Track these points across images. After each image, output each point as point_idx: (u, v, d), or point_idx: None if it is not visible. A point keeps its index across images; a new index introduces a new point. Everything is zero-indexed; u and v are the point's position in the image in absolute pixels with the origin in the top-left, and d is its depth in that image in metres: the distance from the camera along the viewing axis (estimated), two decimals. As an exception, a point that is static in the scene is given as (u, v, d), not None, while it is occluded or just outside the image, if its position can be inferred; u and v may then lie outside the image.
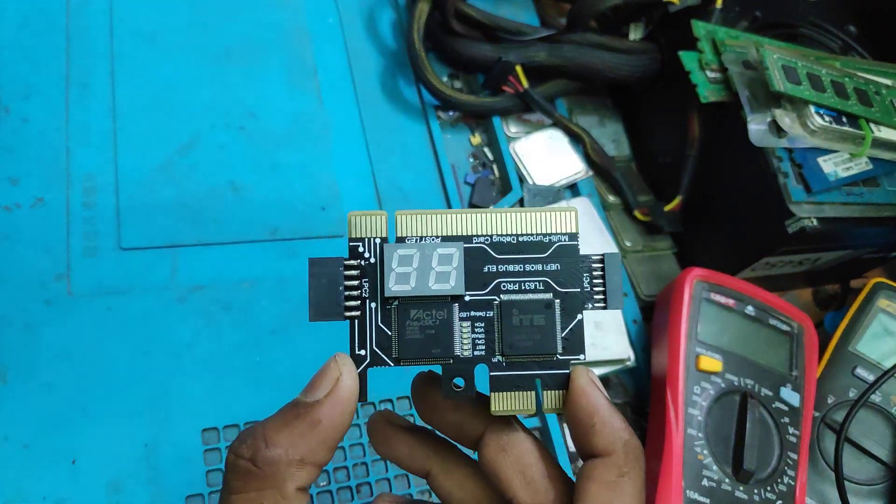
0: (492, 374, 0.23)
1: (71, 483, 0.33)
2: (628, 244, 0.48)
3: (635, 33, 0.49)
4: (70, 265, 0.37)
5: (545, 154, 0.48)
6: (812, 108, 0.42)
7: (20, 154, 0.40)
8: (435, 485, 0.26)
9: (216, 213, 0.41)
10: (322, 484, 0.36)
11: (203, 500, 0.34)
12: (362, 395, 0.23)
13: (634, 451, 0.23)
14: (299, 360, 0.39)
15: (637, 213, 0.48)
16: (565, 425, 0.40)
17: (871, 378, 0.43)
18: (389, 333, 0.23)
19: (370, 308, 0.23)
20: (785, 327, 0.42)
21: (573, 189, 0.49)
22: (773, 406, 0.40)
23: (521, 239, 0.24)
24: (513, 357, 0.23)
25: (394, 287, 0.23)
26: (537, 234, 0.24)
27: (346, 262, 0.23)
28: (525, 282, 0.24)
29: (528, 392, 0.23)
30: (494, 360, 0.23)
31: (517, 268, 0.24)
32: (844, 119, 0.43)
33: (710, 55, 0.45)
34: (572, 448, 0.40)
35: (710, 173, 0.47)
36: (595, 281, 0.24)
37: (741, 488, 0.38)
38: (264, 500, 0.22)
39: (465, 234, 0.24)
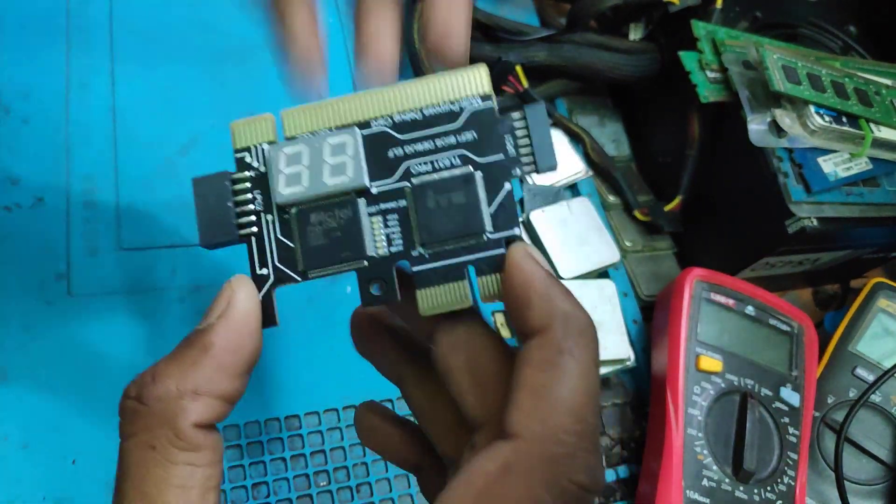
0: (414, 269, 0.20)
1: (71, 483, 0.33)
2: (628, 244, 0.48)
3: (635, 33, 0.49)
4: (70, 265, 0.37)
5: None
6: (812, 109, 0.42)
7: (20, 154, 0.39)
8: (406, 394, 0.24)
9: (216, 213, 0.41)
10: (322, 484, 0.36)
11: (203, 500, 0.34)
12: (269, 319, 0.21)
13: (578, 325, 0.19)
14: (299, 360, 0.39)
15: (637, 213, 0.48)
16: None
17: (871, 378, 0.43)
18: (292, 245, 0.21)
19: (266, 221, 0.21)
20: (785, 327, 0.42)
21: (573, 189, 0.49)
22: (773, 406, 0.40)
23: (426, 112, 0.21)
24: (435, 245, 0.20)
25: (284, 191, 0.20)
26: (444, 103, 0.21)
27: (234, 176, 0.21)
28: (438, 160, 0.21)
29: (460, 282, 0.20)
30: (415, 252, 0.20)
31: (427, 145, 0.21)
32: (844, 119, 0.43)
33: (710, 55, 0.45)
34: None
35: (710, 173, 0.47)
36: (520, 141, 0.21)
37: (741, 488, 0.38)
38: (155, 441, 0.19)
39: (361, 119, 0.21)
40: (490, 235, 0.20)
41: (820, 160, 0.43)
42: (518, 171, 0.21)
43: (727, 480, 0.38)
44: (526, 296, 0.19)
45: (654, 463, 0.38)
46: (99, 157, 0.40)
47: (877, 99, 0.44)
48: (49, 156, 0.40)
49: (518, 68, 0.47)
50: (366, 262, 0.20)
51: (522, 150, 0.21)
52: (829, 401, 0.43)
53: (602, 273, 0.45)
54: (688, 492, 0.37)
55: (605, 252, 0.45)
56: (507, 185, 0.21)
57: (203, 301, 0.39)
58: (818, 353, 0.43)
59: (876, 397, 0.42)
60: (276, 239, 0.21)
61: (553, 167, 0.21)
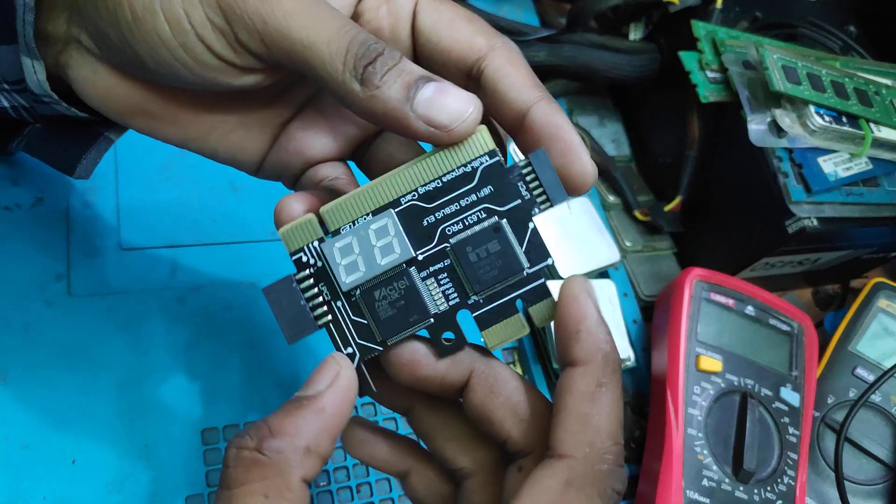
0: (474, 315, 0.24)
1: (71, 483, 0.33)
2: (628, 244, 0.48)
3: (635, 33, 0.49)
4: (70, 265, 0.37)
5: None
6: (812, 108, 0.42)
7: (20, 154, 0.39)
8: (415, 420, 0.27)
9: (216, 213, 0.41)
10: (322, 484, 0.36)
11: (203, 501, 0.34)
12: (365, 388, 0.24)
13: (613, 363, 0.23)
14: (299, 361, 0.39)
15: (637, 214, 0.48)
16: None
17: (871, 378, 0.43)
18: (365, 322, 0.24)
19: (337, 308, 0.24)
20: (785, 327, 0.43)
21: (573, 189, 0.49)
22: (773, 406, 0.40)
23: (445, 179, 0.23)
24: (486, 291, 0.23)
25: (347, 280, 0.23)
26: (458, 168, 0.23)
27: (297, 277, 0.24)
28: (467, 217, 0.23)
29: (515, 316, 0.24)
30: (471, 301, 0.23)
31: (454, 207, 0.23)
32: (844, 119, 0.43)
33: (710, 55, 0.45)
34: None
35: (710, 173, 0.47)
36: (532, 185, 0.23)
37: (741, 488, 0.38)
38: (269, 490, 0.21)
39: (391, 199, 0.23)
40: (528, 270, 0.23)
41: (820, 160, 0.43)
42: (537, 211, 0.23)
43: (727, 480, 0.38)
44: (577, 329, 0.23)
45: (654, 463, 0.38)
46: (99, 157, 0.40)
47: (877, 99, 0.45)
48: (49, 156, 0.40)
49: (518, 68, 0.47)
50: (432, 319, 0.23)
51: (536, 192, 0.23)
52: (829, 401, 0.43)
53: (602, 273, 0.46)
54: (688, 492, 0.37)
55: (605, 252, 0.45)
56: (531, 224, 0.23)
57: (203, 301, 0.39)
58: (818, 353, 0.43)
59: (876, 397, 0.42)
60: (351, 320, 0.24)
61: (566, 199, 0.23)
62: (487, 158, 0.23)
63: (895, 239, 0.47)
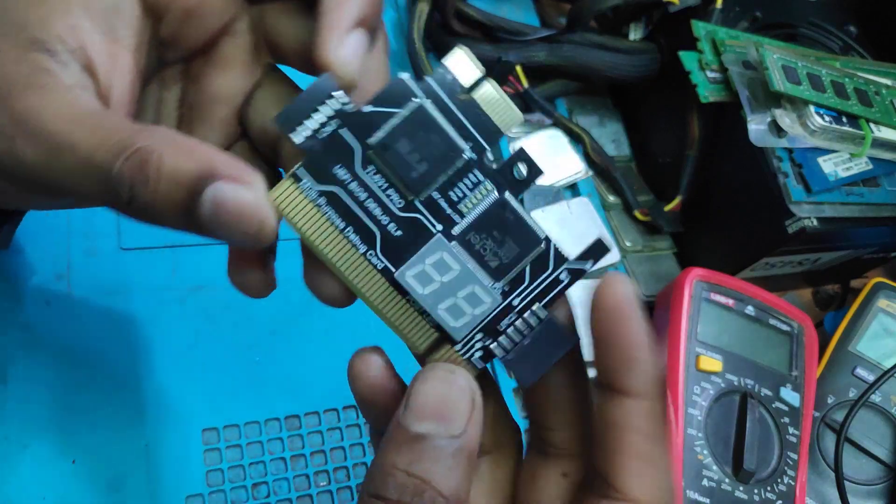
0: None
1: (71, 483, 0.33)
2: (628, 244, 0.48)
3: (635, 33, 0.49)
4: (70, 265, 0.37)
5: (545, 154, 0.48)
6: (812, 108, 0.42)
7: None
8: None
9: (216, 213, 0.41)
10: (322, 484, 0.36)
11: (203, 501, 0.34)
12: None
13: (664, 387, 0.20)
14: (299, 361, 0.39)
15: (637, 214, 0.48)
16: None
17: (871, 378, 0.43)
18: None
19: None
20: (785, 327, 0.42)
21: (573, 189, 0.48)
22: (773, 406, 0.40)
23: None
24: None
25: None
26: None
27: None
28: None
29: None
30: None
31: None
32: (844, 119, 0.43)
33: (710, 55, 0.45)
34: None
35: (710, 173, 0.47)
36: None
37: (741, 488, 0.38)
38: None
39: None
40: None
41: (820, 160, 0.43)
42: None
43: (727, 480, 0.38)
44: (633, 356, 0.20)
45: (654, 463, 0.38)
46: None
47: (877, 99, 0.44)
48: (49, 156, 0.40)
49: (518, 68, 0.47)
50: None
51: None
52: (829, 401, 0.43)
53: (602, 273, 0.45)
54: (687, 492, 0.37)
55: (605, 252, 0.45)
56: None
57: (203, 301, 0.39)
58: (818, 354, 0.43)
59: (876, 397, 0.42)
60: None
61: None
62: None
63: (895, 239, 0.47)
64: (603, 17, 0.49)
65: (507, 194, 0.22)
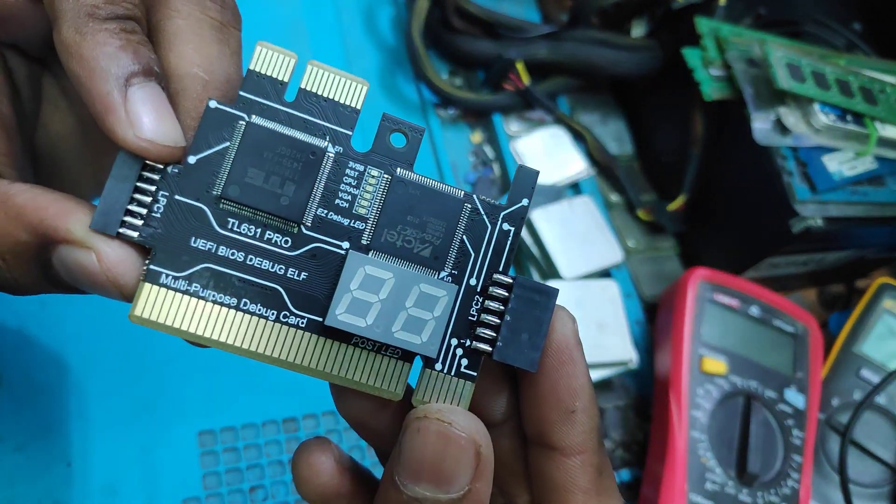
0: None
1: (66, 486, 0.33)
2: (631, 244, 0.47)
3: (638, 30, 0.49)
4: (65, 265, 0.37)
5: (547, 152, 0.48)
6: (817, 106, 0.41)
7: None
8: None
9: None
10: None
11: (200, 504, 0.34)
12: None
13: (601, 434, 0.19)
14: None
15: (640, 213, 0.48)
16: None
17: (876, 380, 0.43)
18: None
19: None
20: (789, 328, 0.42)
21: (575, 188, 0.48)
22: (778, 408, 0.40)
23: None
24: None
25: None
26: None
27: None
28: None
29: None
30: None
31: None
32: (849, 117, 0.42)
33: (713, 52, 0.44)
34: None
35: (714, 172, 0.46)
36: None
37: (745, 491, 0.37)
38: None
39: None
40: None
41: (825, 159, 0.42)
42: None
43: (731, 483, 0.37)
44: (571, 408, 0.18)
45: (657, 466, 0.38)
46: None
47: (882, 97, 0.44)
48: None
49: (519, 65, 0.46)
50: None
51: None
52: (834, 403, 0.42)
53: (604, 273, 0.45)
54: (691, 495, 0.37)
55: (608, 252, 0.44)
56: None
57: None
58: (823, 355, 0.43)
59: (881, 399, 0.42)
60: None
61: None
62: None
63: (901, 238, 0.47)
64: (605, 13, 0.49)
65: (399, 170, 0.19)
